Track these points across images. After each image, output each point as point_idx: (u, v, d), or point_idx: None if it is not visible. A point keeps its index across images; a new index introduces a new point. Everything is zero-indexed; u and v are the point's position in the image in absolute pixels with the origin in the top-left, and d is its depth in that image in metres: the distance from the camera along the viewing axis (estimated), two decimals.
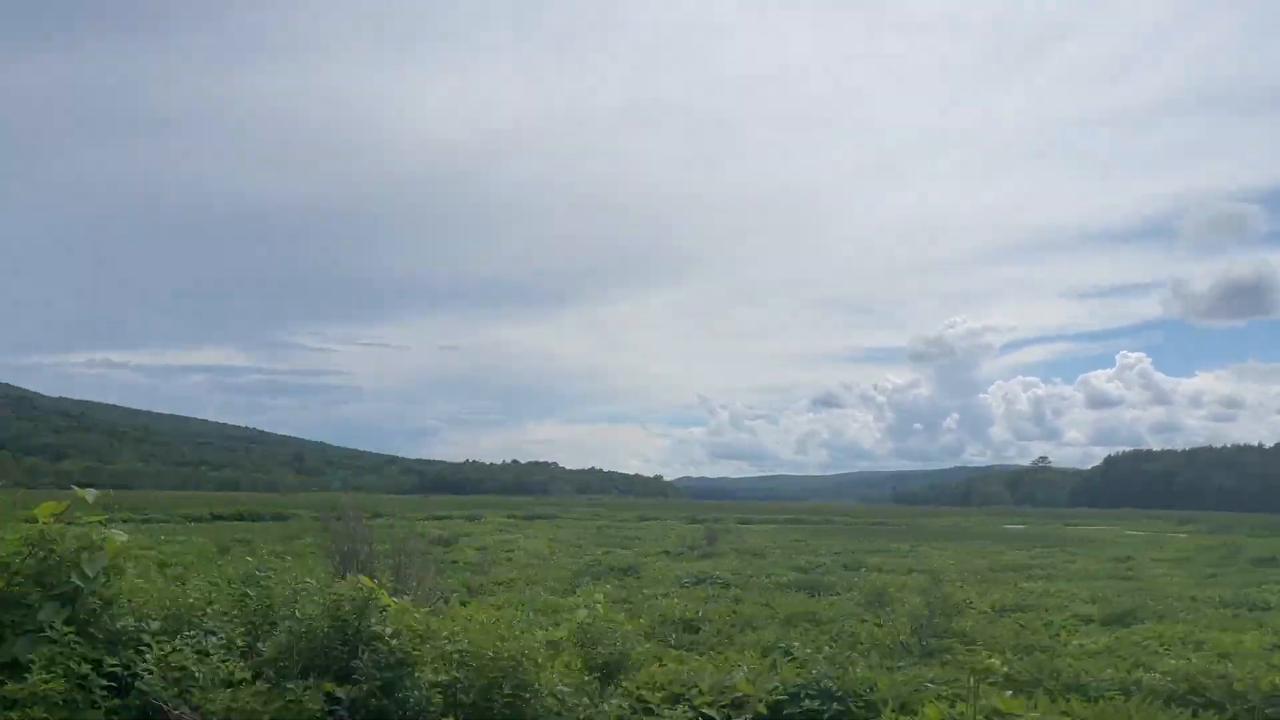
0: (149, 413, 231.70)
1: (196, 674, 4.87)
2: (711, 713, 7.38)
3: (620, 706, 6.04)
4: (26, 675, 4.62)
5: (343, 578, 6.34)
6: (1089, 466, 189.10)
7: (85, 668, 4.79)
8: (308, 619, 5.49)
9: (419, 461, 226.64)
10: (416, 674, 5.17)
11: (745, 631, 11.20)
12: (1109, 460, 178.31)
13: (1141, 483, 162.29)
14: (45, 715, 4.47)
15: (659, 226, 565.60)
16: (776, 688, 7.83)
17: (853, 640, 10.62)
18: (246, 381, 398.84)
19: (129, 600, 5.78)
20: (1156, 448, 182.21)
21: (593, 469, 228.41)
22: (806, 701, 7.67)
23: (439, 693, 5.07)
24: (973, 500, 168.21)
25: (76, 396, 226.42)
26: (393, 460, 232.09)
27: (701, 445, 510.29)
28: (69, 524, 5.58)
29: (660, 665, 8.02)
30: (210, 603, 6.26)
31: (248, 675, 5.04)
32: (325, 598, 5.53)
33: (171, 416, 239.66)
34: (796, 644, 9.84)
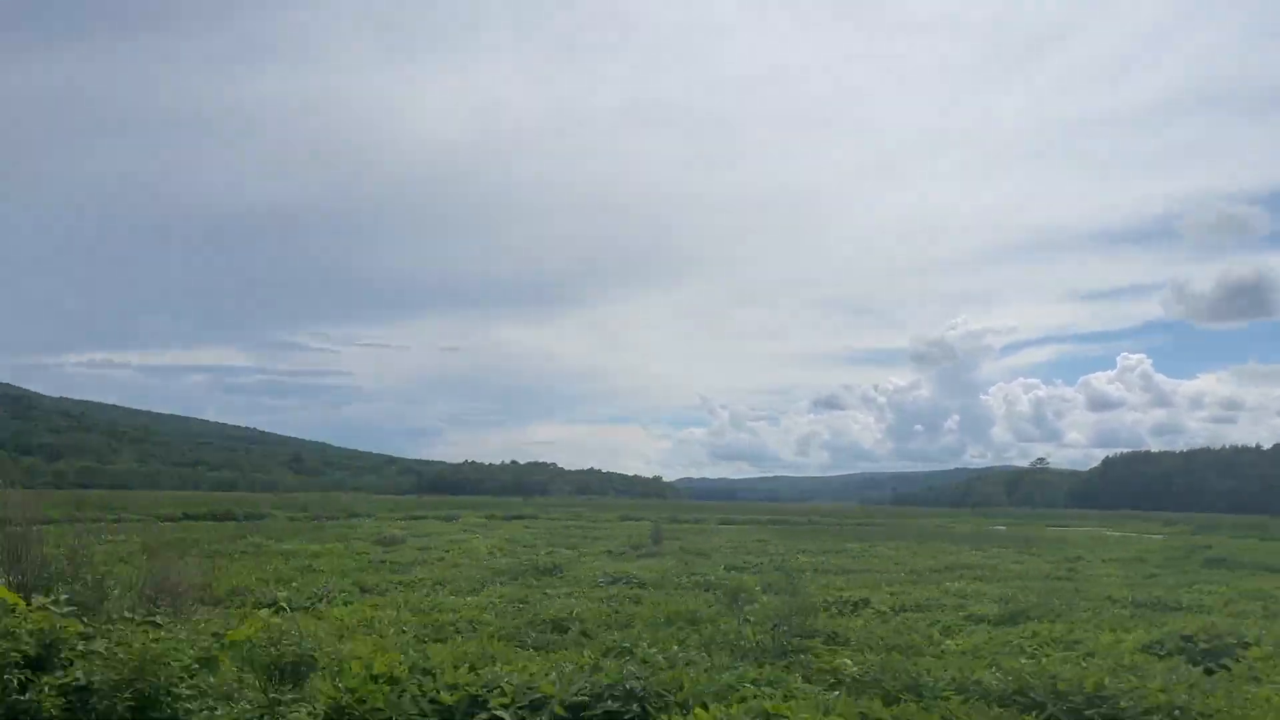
0: (149, 413, 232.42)
1: None
2: (505, 715, 7.31)
3: (307, 710, 5.92)
4: None
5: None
6: (1088, 468, 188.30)
7: None
8: None
9: (418, 462, 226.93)
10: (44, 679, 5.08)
11: (611, 631, 11.11)
12: (1107, 462, 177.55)
13: (1140, 484, 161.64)
14: None
15: (659, 226, 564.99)
16: (582, 689, 7.77)
17: (710, 640, 10.53)
18: (247, 382, 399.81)
19: None
20: (1157, 449, 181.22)
21: (591, 470, 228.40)
22: (609, 703, 7.60)
23: (59, 696, 4.98)
24: (970, 501, 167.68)
25: (76, 396, 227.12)
26: (392, 460, 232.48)
27: (702, 446, 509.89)
28: None
29: (471, 669, 7.93)
30: None
31: None
32: None
33: (171, 417, 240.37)
34: (644, 644, 9.77)
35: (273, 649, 5.91)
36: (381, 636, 9.85)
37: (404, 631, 10.33)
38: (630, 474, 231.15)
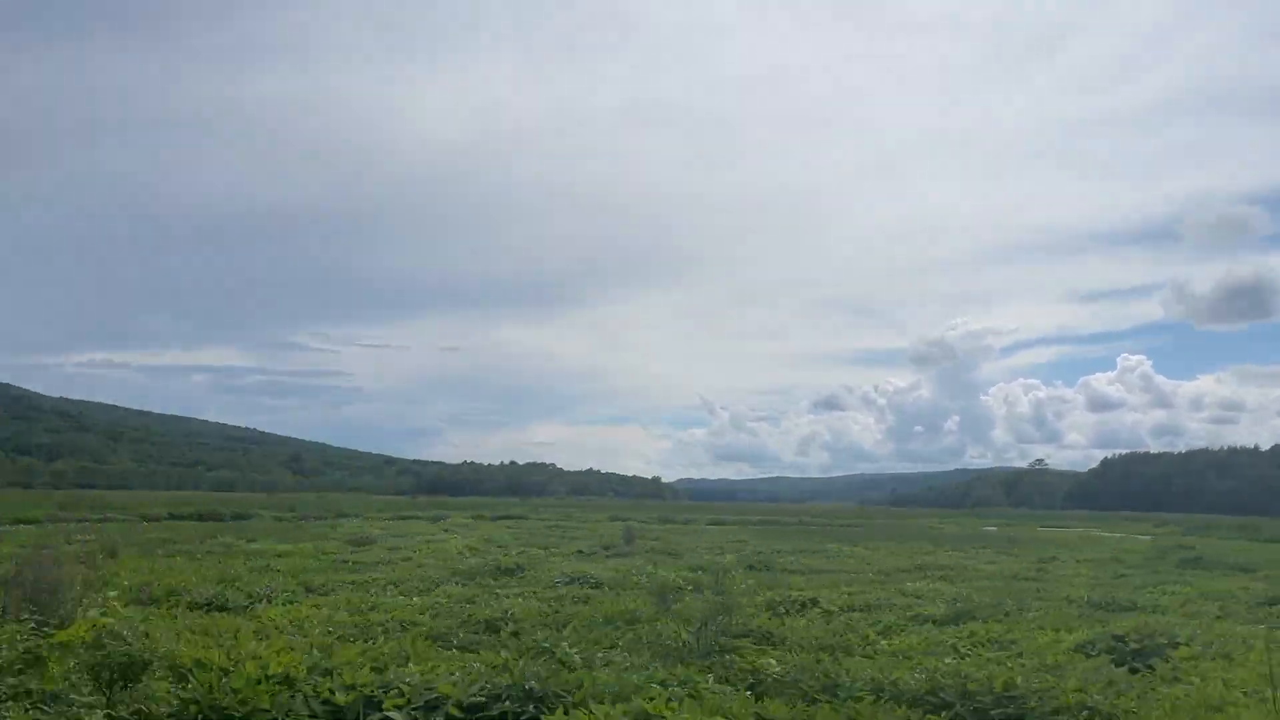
0: (149, 413, 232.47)
1: None
2: (396, 716, 7.26)
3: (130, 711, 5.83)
4: None
5: None
6: (1088, 469, 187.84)
7: None
8: None
9: (416, 462, 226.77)
10: None
11: (543, 631, 11.05)
12: (1105, 462, 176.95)
13: (1138, 485, 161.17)
14: None
15: (659, 226, 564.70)
16: (482, 689, 7.73)
17: (638, 640, 10.48)
18: (248, 382, 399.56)
19: None
20: (1156, 450, 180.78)
21: (590, 470, 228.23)
22: (507, 703, 7.57)
23: None
24: (969, 502, 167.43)
25: (77, 397, 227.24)
26: (391, 461, 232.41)
27: (703, 447, 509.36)
28: None
29: (373, 670, 7.87)
30: None
31: None
32: None
33: (171, 417, 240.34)
34: (565, 644, 9.72)
35: (99, 651, 5.84)
36: (305, 637, 9.79)
37: (330, 632, 10.26)
38: (629, 475, 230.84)
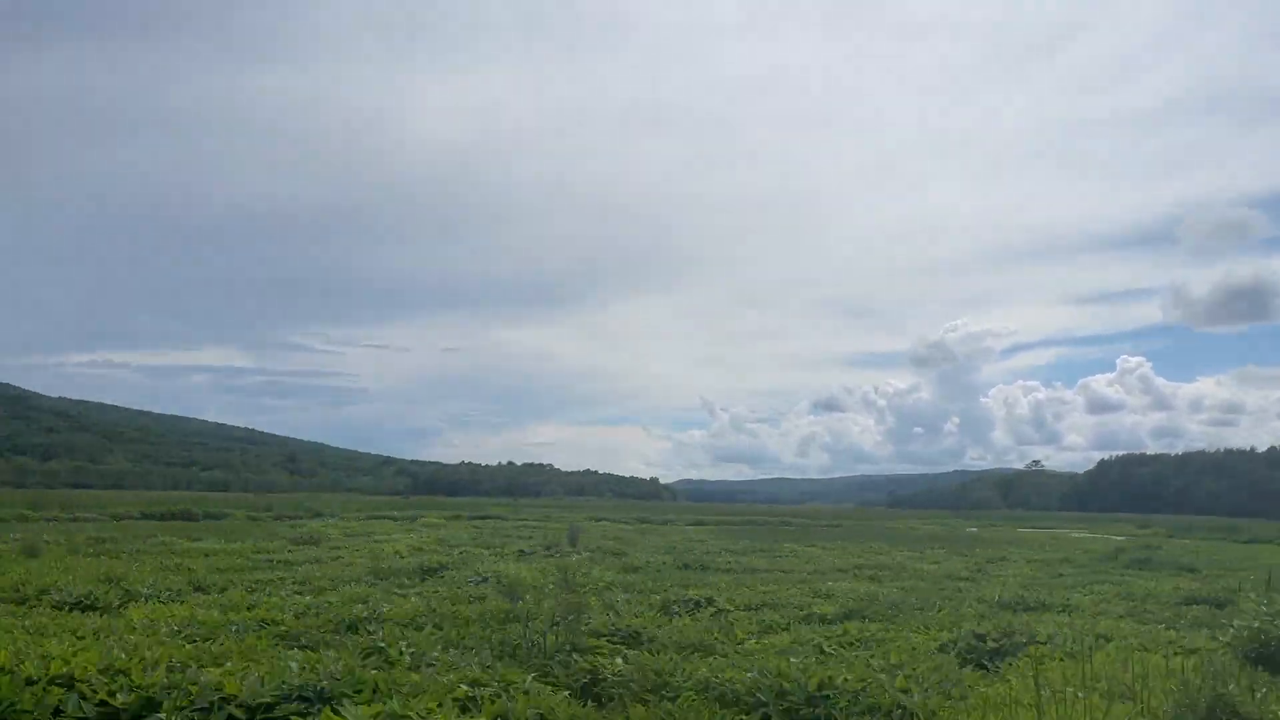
0: (148, 413, 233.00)
1: None
2: (169, 717, 7.15)
3: None
4: None
5: None
6: (1085, 471, 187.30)
7: None
8: None
9: (414, 463, 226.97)
10: None
11: (407, 631, 10.93)
12: (1102, 464, 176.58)
13: (1135, 486, 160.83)
14: None
15: (659, 227, 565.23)
16: (274, 690, 7.60)
17: (485, 639, 10.36)
18: (248, 383, 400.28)
19: None
20: (1154, 452, 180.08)
21: (588, 471, 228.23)
22: (296, 703, 7.44)
23: None
24: (966, 504, 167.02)
25: (77, 397, 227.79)
26: (389, 461, 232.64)
27: (703, 448, 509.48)
28: None
29: (170, 670, 7.75)
30: None
31: None
32: None
33: (171, 417, 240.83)
34: (402, 644, 9.60)
35: None
36: (150, 636, 9.68)
37: (178, 632, 10.14)
38: (626, 476, 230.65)
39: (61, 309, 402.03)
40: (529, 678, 8.43)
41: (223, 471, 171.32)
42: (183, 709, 7.21)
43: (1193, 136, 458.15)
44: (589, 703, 8.67)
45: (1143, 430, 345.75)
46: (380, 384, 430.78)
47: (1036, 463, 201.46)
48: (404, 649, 9.37)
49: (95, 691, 7.23)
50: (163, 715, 7.06)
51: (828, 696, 7.92)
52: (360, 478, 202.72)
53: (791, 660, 9.40)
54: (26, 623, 10.14)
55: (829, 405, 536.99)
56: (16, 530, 28.73)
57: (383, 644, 9.51)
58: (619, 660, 9.55)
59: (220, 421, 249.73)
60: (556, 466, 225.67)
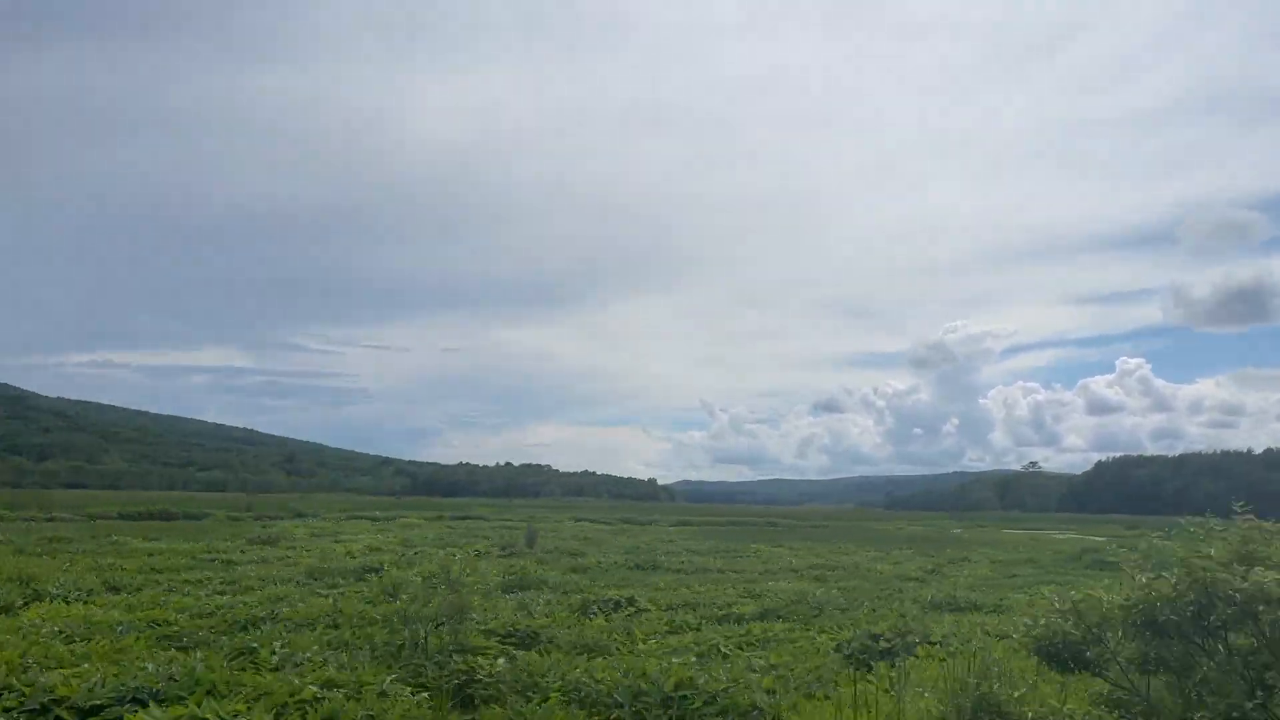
0: (147, 414, 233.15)
1: None
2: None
3: None
4: None
5: None
6: (1081, 472, 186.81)
7: None
8: None
9: (412, 463, 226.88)
10: None
11: (301, 632, 10.82)
12: (1099, 465, 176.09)
13: (1132, 488, 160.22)
14: None
15: (659, 227, 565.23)
16: (115, 690, 7.51)
17: (371, 640, 10.23)
18: (248, 383, 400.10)
19: None
20: (1152, 454, 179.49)
21: (586, 472, 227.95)
22: (130, 705, 7.34)
23: None
24: (963, 505, 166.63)
25: (77, 397, 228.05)
26: (387, 462, 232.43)
27: (702, 449, 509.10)
28: None
29: (10, 672, 7.66)
30: None
31: None
32: None
33: (170, 417, 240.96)
34: (277, 644, 9.49)
35: None
36: (14, 636, 9.61)
37: (59, 632, 10.04)
38: (624, 477, 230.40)
39: (61, 309, 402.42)
40: (388, 679, 8.29)
41: (220, 472, 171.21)
42: (10, 710, 7.12)
43: (1193, 136, 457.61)
44: (458, 704, 8.56)
45: (1142, 432, 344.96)
46: (380, 384, 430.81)
47: (1034, 464, 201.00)
48: (277, 649, 9.26)
49: None
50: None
51: (685, 697, 7.79)
52: (358, 478, 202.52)
53: (674, 660, 9.28)
54: None
55: (828, 406, 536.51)
56: None
57: (255, 644, 9.41)
58: (500, 661, 9.43)
59: (219, 422, 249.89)
60: (554, 467, 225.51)
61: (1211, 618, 4.86)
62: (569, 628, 11.77)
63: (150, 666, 8.05)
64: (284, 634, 10.27)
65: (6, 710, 7.01)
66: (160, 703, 7.24)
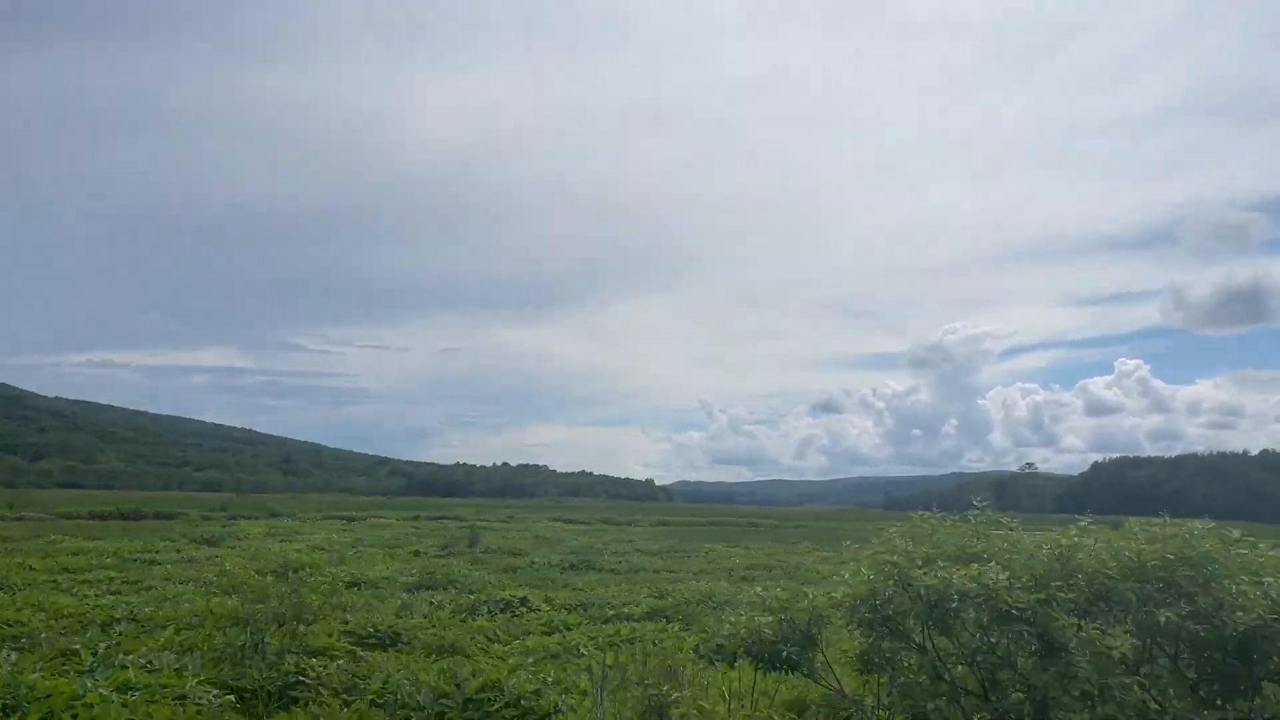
0: (145, 414, 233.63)
1: None
2: None
3: None
4: None
5: None
6: (1079, 473, 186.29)
7: None
8: None
9: (409, 464, 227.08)
10: None
11: (156, 633, 10.62)
12: (1096, 466, 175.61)
13: (1129, 488, 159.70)
14: None
15: (659, 227, 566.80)
16: None
17: (224, 644, 10.01)
18: (248, 383, 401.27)
19: None
20: (1149, 455, 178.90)
21: (583, 472, 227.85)
22: None
23: None
24: (959, 505, 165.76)
25: (75, 397, 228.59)
26: (384, 462, 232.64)
27: (701, 449, 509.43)
28: None
29: None
30: None
31: None
32: None
33: (168, 417, 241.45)
34: (103, 646, 9.28)
35: None
36: None
37: None
38: (621, 477, 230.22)
39: (61, 309, 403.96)
40: (193, 681, 8.05)
41: (216, 472, 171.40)
42: None
43: (1193, 137, 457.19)
44: (280, 707, 8.35)
45: (1140, 433, 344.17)
46: (380, 384, 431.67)
47: (1030, 465, 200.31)
48: (99, 651, 9.04)
49: None
50: None
51: (488, 699, 7.55)
52: (354, 478, 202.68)
53: (521, 658, 9.04)
54: None
55: (827, 407, 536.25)
56: None
57: (77, 646, 9.19)
58: (336, 664, 9.21)
59: (218, 422, 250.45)
60: (552, 468, 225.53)
61: (910, 618, 4.62)
62: (444, 629, 11.55)
63: None
64: (132, 636, 10.06)
65: None
66: None
